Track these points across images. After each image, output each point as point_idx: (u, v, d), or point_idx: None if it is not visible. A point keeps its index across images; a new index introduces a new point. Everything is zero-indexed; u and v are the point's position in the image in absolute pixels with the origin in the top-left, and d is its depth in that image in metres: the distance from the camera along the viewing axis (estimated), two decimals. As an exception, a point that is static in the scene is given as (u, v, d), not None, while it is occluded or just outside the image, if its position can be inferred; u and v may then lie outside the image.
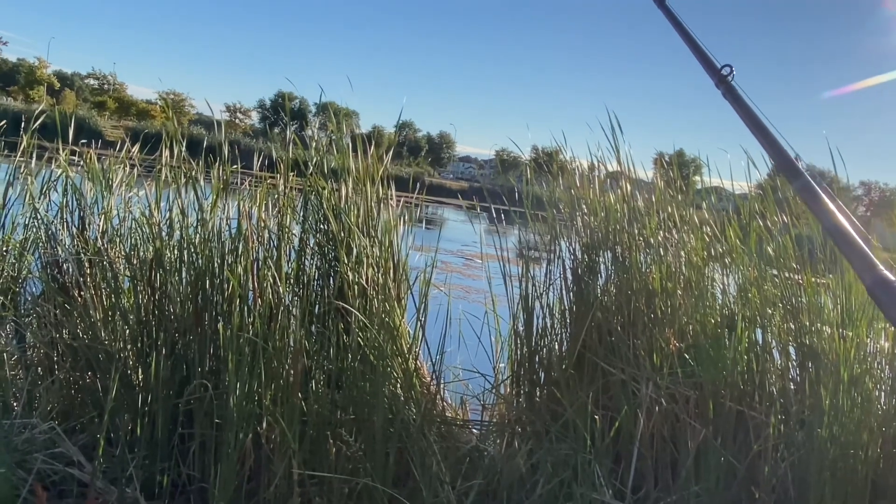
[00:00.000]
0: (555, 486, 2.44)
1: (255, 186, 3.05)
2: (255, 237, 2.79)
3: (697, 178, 3.61)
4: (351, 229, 2.81)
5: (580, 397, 2.59)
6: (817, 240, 2.77)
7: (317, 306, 2.85)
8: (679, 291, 2.80)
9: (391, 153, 3.23)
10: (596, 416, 2.52)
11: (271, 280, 2.70)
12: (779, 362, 2.74)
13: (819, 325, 2.62)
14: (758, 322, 2.73)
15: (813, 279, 2.69)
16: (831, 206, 1.14)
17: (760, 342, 2.72)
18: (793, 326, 2.71)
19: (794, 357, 2.73)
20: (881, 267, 1.01)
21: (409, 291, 2.96)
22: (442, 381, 2.85)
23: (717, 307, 2.81)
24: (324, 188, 2.92)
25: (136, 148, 3.41)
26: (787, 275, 2.77)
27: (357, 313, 2.60)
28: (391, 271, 2.89)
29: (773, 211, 2.88)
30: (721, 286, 2.88)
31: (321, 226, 2.92)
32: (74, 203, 3.12)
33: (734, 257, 2.86)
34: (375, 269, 2.80)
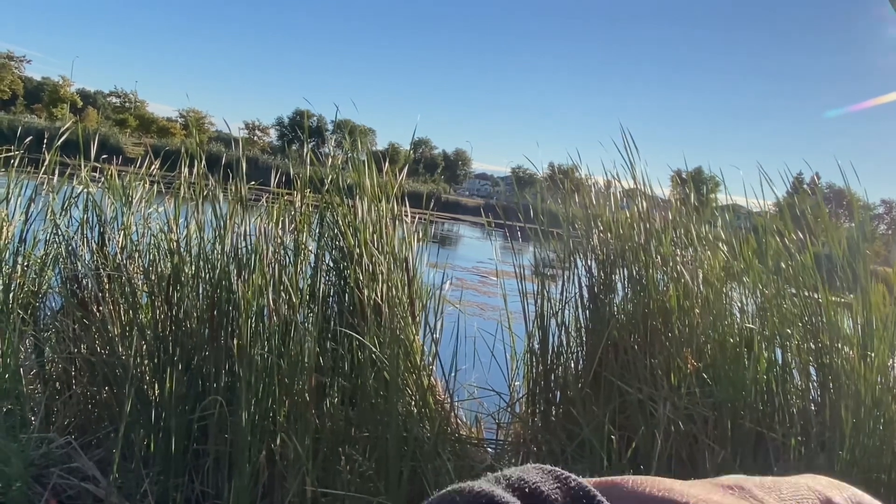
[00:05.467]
0: (570, 507, 2.40)
1: (273, 203, 3.08)
2: (271, 253, 2.81)
3: (713, 195, 3.58)
4: (366, 246, 2.81)
5: (596, 417, 2.56)
6: (836, 258, 2.74)
7: (331, 322, 2.86)
8: (696, 310, 2.77)
9: (406, 170, 3.25)
10: (612, 437, 2.49)
11: (286, 296, 2.71)
12: (799, 383, 2.70)
13: (840, 344, 2.58)
14: (777, 342, 2.69)
15: (833, 298, 2.65)
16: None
17: (780, 362, 2.68)
18: (813, 346, 2.67)
19: (814, 377, 2.68)
20: None
21: (423, 308, 2.96)
22: (456, 399, 2.84)
23: (736, 326, 2.77)
24: (339, 205, 2.93)
25: (155, 165, 3.46)
26: (805, 293, 2.73)
27: (362, 339, 2.60)
28: (405, 287, 2.89)
29: (791, 228, 2.84)
30: (739, 305, 2.85)
31: (336, 242, 2.94)
32: (95, 219, 3.16)
33: (752, 275, 2.83)
34: (389, 286, 2.80)
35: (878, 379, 2.43)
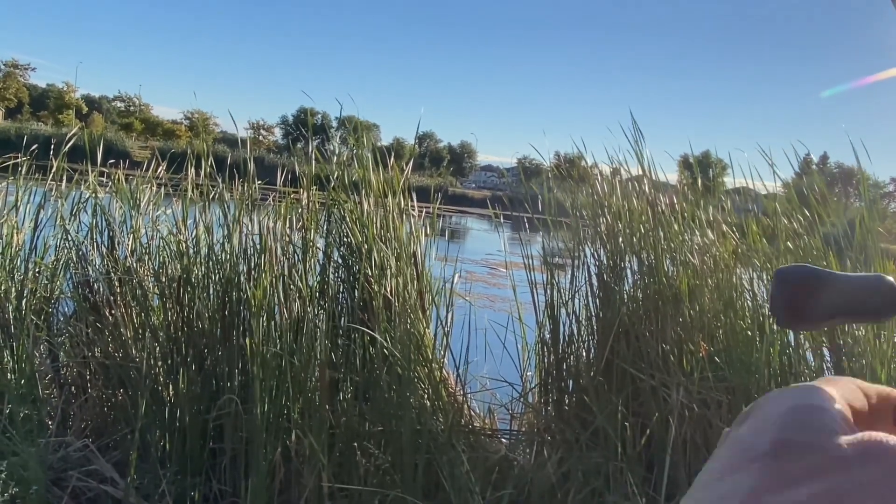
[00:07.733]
0: (586, 496, 2.40)
1: (279, 201, 3.09)
2: (279, 251, 2.82)
3: (721, 179, 3.55)
4: (374, 241, 2.82)
5: (610, 404, 2.56)
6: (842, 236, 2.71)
7: (342, 318, 2.87)
8: (707, 295, 2.75)
9: (411, 164, 3.24)
10: (626, 424, 2.49)
11: (297, 294, 2.72)
12: (812, 363, 2.68)
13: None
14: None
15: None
16: None
17: (793, 343, 2.66)
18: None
19: (828, 358, 2.66)
20: None
21: (432, 302, 2.96)
22: (469, 391, 2.84)
23: (747, 309, 2.76)
24: (346, 201, 2.94)
25: (162, 167, 3.47)
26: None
27: (373, 335, 2.61)
28: (414, 281, 2.90)
29: (798, 209, 2.82)
30: (749, 288, 2.83)
31: (344, 238, 2.94)
32: (104, 223, 3.18)
33: (761, 257, 2.81)
34: (399, 280, 2.80)
35: (894, 357, 2.42)
